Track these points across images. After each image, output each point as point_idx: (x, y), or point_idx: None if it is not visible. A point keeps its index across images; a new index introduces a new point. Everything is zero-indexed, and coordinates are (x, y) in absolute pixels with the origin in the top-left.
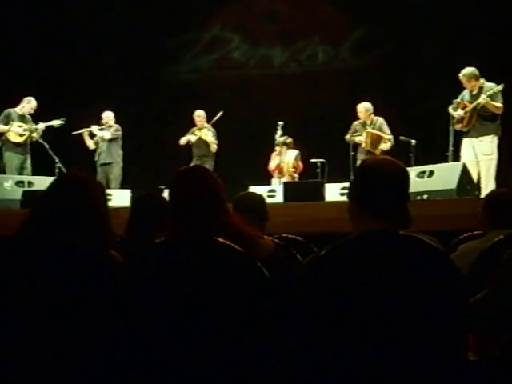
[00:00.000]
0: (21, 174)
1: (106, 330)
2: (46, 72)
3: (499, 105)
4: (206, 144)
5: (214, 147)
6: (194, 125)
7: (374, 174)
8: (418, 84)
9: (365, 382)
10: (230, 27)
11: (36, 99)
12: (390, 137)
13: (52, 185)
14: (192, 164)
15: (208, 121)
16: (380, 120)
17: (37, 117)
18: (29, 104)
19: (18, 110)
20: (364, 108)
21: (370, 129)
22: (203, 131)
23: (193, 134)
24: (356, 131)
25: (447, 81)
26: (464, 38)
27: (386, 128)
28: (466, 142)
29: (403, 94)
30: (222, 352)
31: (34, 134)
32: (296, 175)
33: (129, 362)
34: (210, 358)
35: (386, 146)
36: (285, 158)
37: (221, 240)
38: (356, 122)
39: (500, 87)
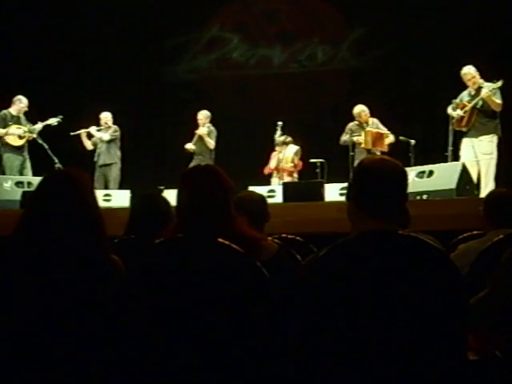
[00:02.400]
0: (21, 174)
1: (108, 331)
2: (45, 72)
3: (499, 101)
4: (202, 140)
5: (208, 141)
6: (197, 125)
7: (371, 173)
8: (417, 84)
9: (365, 382)
10: (230, 27)
11: (35, 100)
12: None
13: (40, 183)
14: (192, 163)
15: (211, 121)
16: (375, 120)
17: (35, 117)
18: (20, 103)
19: (12, 111)
20: (365, 109)
21: (369, 128)
22: (200, 128)
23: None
24: (353, 132)
25: (447, 81)
26: (464, 38)
27: (382, 127)
28: (466, 142)
29: (402, 93)
30: (223, 352)
31: (33, 135)
32: (295, 175)
33: (131, 364)
34: (211, 358)
35: (389, 140)
36: (284, 155)
37: (220, 240)
38: (351, 124)
39: (499, 83)
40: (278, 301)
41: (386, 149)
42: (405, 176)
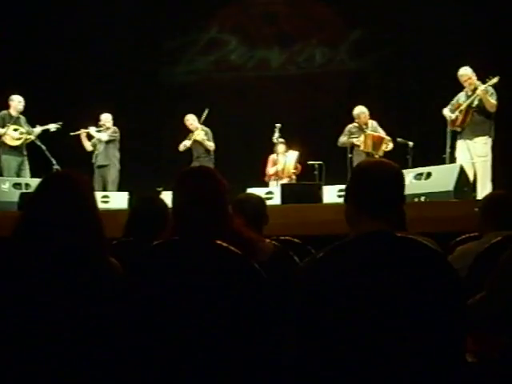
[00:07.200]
0: (19, 175)
1: (106, 333)
2: (44, 74)
3: (494, 101)
4: (202, 144)
5: (209, 145)
6: (189, 130)
7: (368, 175)
8: (415, 86)
9: None
10: (228, 29)
11: (34, 101)
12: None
13: (40, 185)
14: (192, 165)
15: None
16: (375, 123)
17: (34, 118)
18: (19, 102)
19: (12, 112)
20: (365, 111)
21: (369, 131)
22: (196, 132)
23: (189, 138)
24: (352, 134)
25: (445, 83)
26: (462, 40)
27: (380, 130)
28: (461, 144)
29: (401, 95)
30: (221, 353)
31: (31, 136)
32: (294, 176)
33: (130, 366)
34: (209, 359)
35: (388, 147)
36: (285, 160)
37: (218, 242)
38: (351, 125)
39: (495, 79)
40: (275, 302)
41: (381, 154)
42: (401, 177)
